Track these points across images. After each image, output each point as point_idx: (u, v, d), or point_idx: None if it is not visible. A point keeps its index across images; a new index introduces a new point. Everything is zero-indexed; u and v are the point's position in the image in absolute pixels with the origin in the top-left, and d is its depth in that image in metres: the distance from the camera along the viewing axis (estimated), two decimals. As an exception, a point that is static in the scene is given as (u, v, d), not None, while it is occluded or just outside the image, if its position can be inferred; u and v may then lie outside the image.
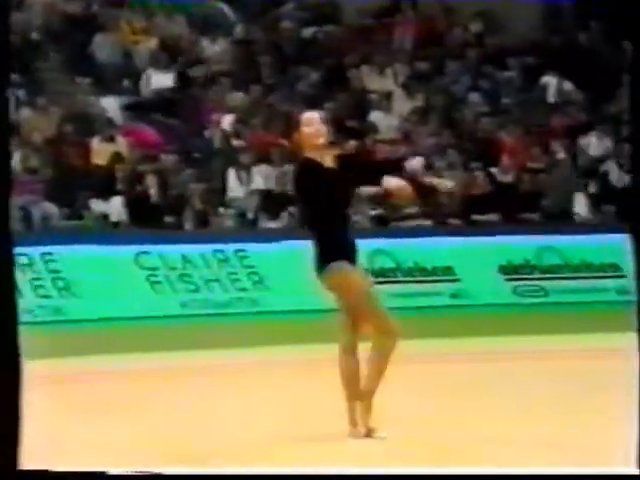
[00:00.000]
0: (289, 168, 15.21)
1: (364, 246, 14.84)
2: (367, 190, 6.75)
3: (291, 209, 14.60)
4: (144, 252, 13.27)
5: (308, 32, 17.50)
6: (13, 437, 3.56)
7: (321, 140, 6.29)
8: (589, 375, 8.76)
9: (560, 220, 15.01)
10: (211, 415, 7.30)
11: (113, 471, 3.70)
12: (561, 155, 15.90)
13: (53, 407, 6.76)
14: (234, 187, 14.96)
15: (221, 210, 14.68)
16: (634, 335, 11.15)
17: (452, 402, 7.58)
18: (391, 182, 6.56)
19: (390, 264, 14.00)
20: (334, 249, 6.25)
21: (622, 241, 14.39)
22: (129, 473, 3.79)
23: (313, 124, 6.33)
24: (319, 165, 6.27)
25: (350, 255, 6.29)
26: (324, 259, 6.26)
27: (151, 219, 14.12)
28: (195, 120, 15.72)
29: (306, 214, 6.45)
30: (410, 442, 6.25)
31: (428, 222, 15.01)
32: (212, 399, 7.92)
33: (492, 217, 15.19)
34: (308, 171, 6.27)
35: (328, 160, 6.36)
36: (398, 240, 14.16)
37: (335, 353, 10.07)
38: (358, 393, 6.31)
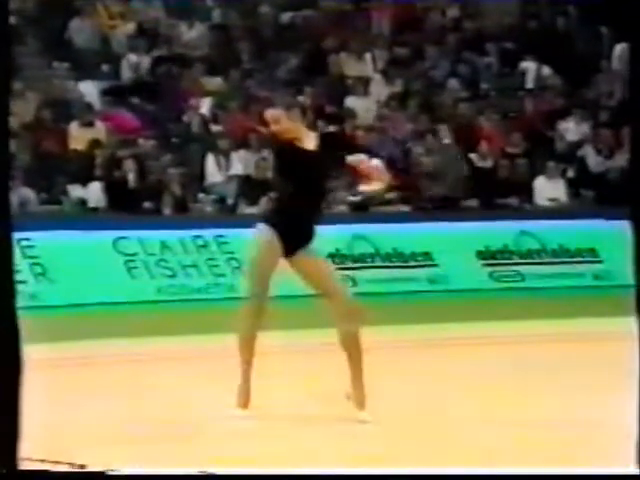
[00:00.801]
0: (268, 153, 15.23)
1: (343, 231, 14.99)
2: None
3: (271, 195, 14.60)
4: (122, 237, 13.26)
5: (286, 17, 17.48)
6: (13, 437, 3.54)
7: (290, 135, 6.36)
8: (567, 359, 8.83)
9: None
10: (187, 400, 7.32)
11: (113, 471, 3.70)
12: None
13: (28, 393, 6.77)
14: (213, 172, 14.96)
15: (200, 196, 14.67)
16: (611, 320, 11.25)
17: (432, 387, 7.63)
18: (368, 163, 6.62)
19: (369, 249, 14.04)
20: (273, 215, 6.47)
21: (599, 226, 14.48)
22: (130, 473, 3.80)
23: (279, 122, 6.39)
24: (294, 148, 6.34)
25: (288, 230, 6.35)
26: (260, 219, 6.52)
27: (130, 204, 14.10)
28: (173, 105, 15.69)
29: (280, 191, 6.53)
30: (393, 427, 6.30)
31: (407, 208, 15.05)
32: (188, 384, 7.94)
33: (471, 202, 15.24)
34: (282, 155, 6.38)
35: (309, 142, 6.41)
36: (377, 226, 14.19)
37: (314, 341, 10.13)
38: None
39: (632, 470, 3.65)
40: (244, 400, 6.60)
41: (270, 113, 6.49)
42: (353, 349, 6.39)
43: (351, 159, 6.50)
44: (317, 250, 6.56)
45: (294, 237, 6.43)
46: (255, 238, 6.49)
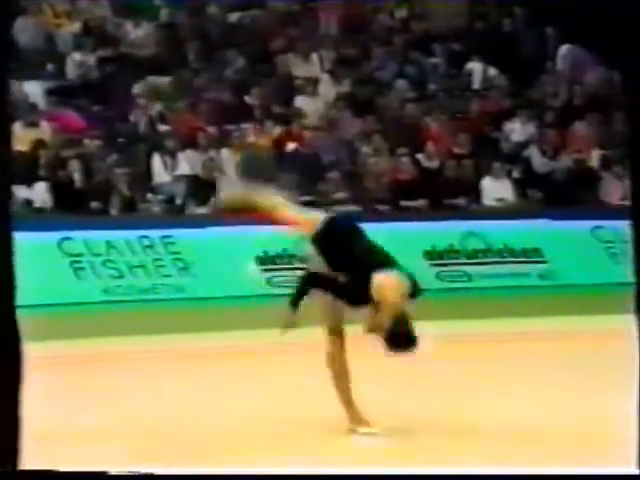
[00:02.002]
0: (215, 154, 15.23)
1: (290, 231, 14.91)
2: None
3: (221, 195, 14.61)
4: (67, 238, 13.20)
5: (234, 17, 17.48)
6: (13, 437, 3.53)
7: None
8: (516, 358, 8.93)
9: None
10: (133, 401, 7.32)
11: (114, 471, 3.70)
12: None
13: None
14: (159, 172, 14.93)
15: (149, 196, 14.63)
16: (556, 318, 11.32)
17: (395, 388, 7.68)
18: None
19: (316, 250, 14.05)
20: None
21: (545, 226, 14.64)
22: (130, 473, 3.80)
23: None
24: None
25: None
26: None
27: (76, 205, 14.03)
28: (120, 105, 15.64)
29: None
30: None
31: (355, 208, 15.11)
32: (134, 385, 7.93)
33: (420, 203, 15.34)
34: None
35: None
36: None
37: (256, 340, 10.17)
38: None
39: (632, 470, 3.66)
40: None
41: None
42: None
43: None
44: None
45: None
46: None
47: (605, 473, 4.40)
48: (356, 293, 6.04)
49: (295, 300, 6.12)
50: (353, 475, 4.57)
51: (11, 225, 3.55)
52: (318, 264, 6.27)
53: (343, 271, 6.12)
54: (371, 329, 6.01)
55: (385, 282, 5.97)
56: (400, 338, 5.93)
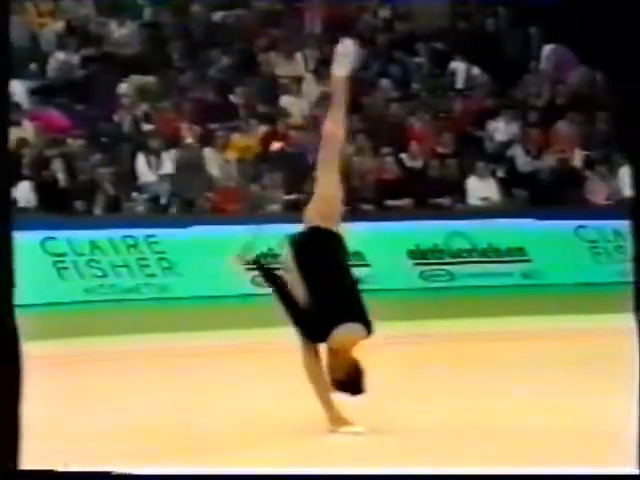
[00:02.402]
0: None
1: (277, 232, 14.97)
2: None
3: (205, 194, 14.58)
4: (50, 238, 13.15)
5: (218, 16, 17.45)
6: (13, 437, 3.51)
7: None
8: (500, 357, 8.93)
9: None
10: (118, 401, 7.30)
11: (115, 471, 3.68)
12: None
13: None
14: (144, 172, 14.89)
15: (133, 195, 14.60)
16: (541, 318, 11.31)
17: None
18: None
19: (300, 249, 14.04)
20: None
21: (529, 225, 14.66)
22: (130, 473, 3.78)
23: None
24: None
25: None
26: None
27: (60, 204, 13.98)
28: (103, 104, 15.59)
29: None
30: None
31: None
32: (117, 385, 7.91)
33: (405, 202, 15.33)
34: None
35: None
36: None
37: (240, 338, 10.14)
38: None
39: (632, 470, 3.62)
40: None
41: None
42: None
43: None
44: None
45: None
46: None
47: (605, 473, 4.36)
48: (314, 329, 6.09)
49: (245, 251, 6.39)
50: (352, 475, 4.54)
51: (11, 226, 3.53)
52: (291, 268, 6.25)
53: (311, 287, 6.09)
54: (329, 371, 6.14)
55: (344, 340, 6.04)
56: (350, 387, 6.10)
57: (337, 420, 6.18)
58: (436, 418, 6.49)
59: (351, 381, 6.08)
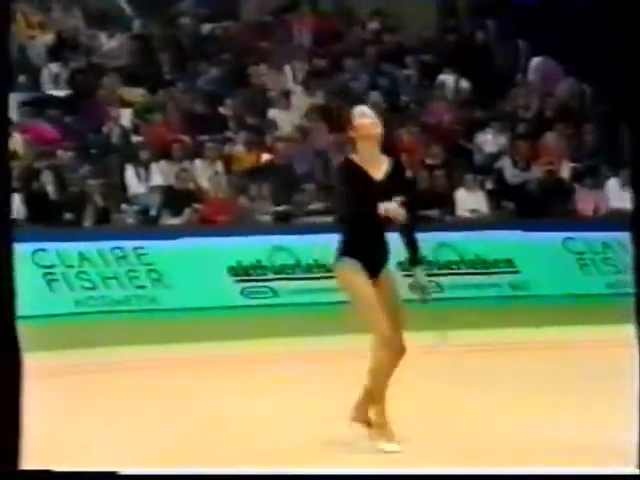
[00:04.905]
0: (189, 164, 15.22)
1: (265, 242, 14.99)
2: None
3: (195, 205, 14.60)
4: (40, 249, 13.14)
5: (207, 28, 17.49)
6: (13, 437, 3.51)
7: (378, 130, 6.35)
8: (490, 368, 8.95)
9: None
10: (108, 413, 7.30)
11: (117, 472, 3.68)
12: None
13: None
14: (133, 184, 14.90)
15: (123, 207, 14.60)
16: (529, 329, 11.28)
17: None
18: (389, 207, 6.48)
19: (290, 260, 14.08)
20: (349, 247, 6.30)
21: (517, 237, 14.69)
22: (130, 473, 3.78)
23: (367, 115, 6.41)
24: (361, 170, 6.28)
25: (367, 258, 6.27)
26: (338, 254, 6.37)
27: (49, 216, 13.97)
28: (93, 116, 15.59)
29: (340, 209, 6.50)
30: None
31: (328, 218, 15.13)
32: (107, 397, 7.91)
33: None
34: (350, 172, 6.28)
35: (379, 167, 6.35)
36: (298, 237, 14.23)
37: (231, 351, 10.16)
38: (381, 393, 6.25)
39: (632, 470, 3.65)
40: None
41: (360, 108, 6.47)
42: (381, 379, 6.28)
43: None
44: (392, 276, 6.47)
45: (374, 263, 6.35)
46: (348, 274, 6.29)
47: (605, 473, 4.37)
48: None
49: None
50: (354, 475, 4.58)
51: (12, 237, 3.55)
52: None
53: None
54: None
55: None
56: None
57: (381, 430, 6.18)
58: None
59: None
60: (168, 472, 4.47)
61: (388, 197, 6.24)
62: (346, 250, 6.32)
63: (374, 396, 6.24)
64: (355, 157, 6.35)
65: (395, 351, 6.20)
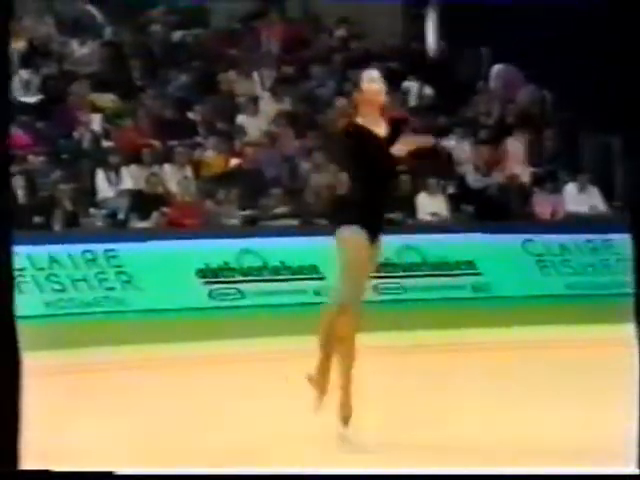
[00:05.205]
0: (159, 168, 15.23)
1: (232, 245, 15.03)
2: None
3: (163, 209, 14.61)
4: (12, 253, 13.09)
5: (177, 35, 17.49)
6: (13, 437, 3.51)
7: (382, 97, 6.36)
8: (452, 369, 9.01)
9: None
10: (77, 413, 7.30)
11: (116, 471, 3.68)
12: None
13: None
14: (103, 188, 14.89)
15: (92, 210, 14.59)
16: (491, 330, 11.32)
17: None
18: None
19: (257, 263, 14.13)
20: (358, 211, 6.23)
21: (478, 240, 14.79)
22: (130, 473, 3.79)
23: (375, 81, 6.41)
24: (368, 132, 6.25)
25: (372, 222, 6.23)
26: (344, 219, 6.33)
27: (19, 220, 13.94)
28: (64, 122, 15.57)
29: (349, 174, 6.45)
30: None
31: (295, 222, 15.18)
32: (77, 397, 7.91)
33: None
34: (357, 137, 6.23)
35: (381, 127, 6.32)
36: (265, 239, 14.28)
37: (204, 352, 10.18)
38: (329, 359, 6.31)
39: (632, 470, 3.64)
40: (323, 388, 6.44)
41: (369, 72, 6.52)
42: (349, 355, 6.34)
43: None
44: (381, 244, 6.41)
45: (377, 227, 6.32)
46: (352, 242, 6.27)
47: (605, 473, 4.34)
48: None
49: None
50: (353, 475, 4.54)
51: (11, 237, 3.58)
52: None
53: None
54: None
55: None
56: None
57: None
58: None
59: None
60: (167, 472, 4.47)
61: (391, 157, 6.29)
62: (354, 215, 6.26)
63: (328, 362, 6.29)
64: (359, 119, 6.32)
65: (351, 317, 6.25)
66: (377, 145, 6.25)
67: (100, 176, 14.86)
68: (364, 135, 6.25)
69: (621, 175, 16.82)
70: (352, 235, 6.27)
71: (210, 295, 13.88)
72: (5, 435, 3.53)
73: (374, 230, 6.29)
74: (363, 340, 10.80)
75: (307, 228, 14.90)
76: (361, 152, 6.22)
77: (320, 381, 6.35)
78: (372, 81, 6.42)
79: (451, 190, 15.96)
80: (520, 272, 14.62)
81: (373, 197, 6.24)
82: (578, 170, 16.47)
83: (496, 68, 17.86)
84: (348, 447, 6.17)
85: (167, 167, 15.27)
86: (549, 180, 16.13)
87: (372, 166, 6.22)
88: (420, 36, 18.54)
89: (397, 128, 6.43)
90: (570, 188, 16.10)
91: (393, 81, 17.54)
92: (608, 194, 16.27)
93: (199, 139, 15.94)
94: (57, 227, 14.18)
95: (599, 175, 16.50)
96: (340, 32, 18.22)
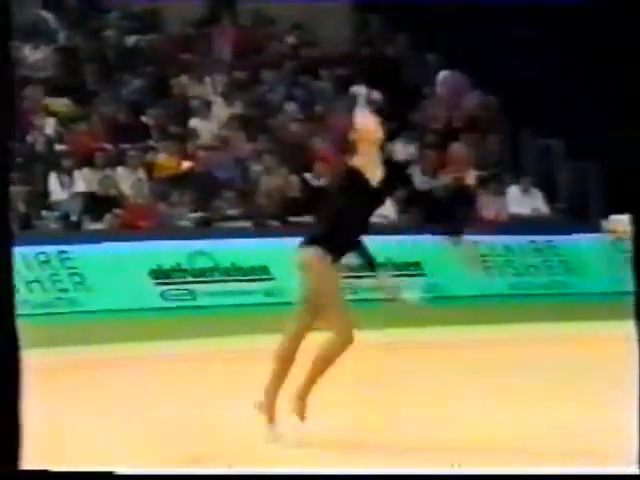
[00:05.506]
0: (111, 171, 15.17)
1: (185, 247, 14.98)
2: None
3: (116, 211, 14.55)
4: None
5: (131, 40, 17.43)
6: (13, 437, 3.47)
7: (379, 134, 6.22)
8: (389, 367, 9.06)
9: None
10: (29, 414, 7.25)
11: (116, 471, 3.64)
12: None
13: None
14: (56, 190, 14.81)
15: (45, 213, 14.50)
16: (441, 329, 11.36)
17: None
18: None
19: (209, 264, 14.11)
20: (324, 242, 6.14)
21: (426, 241, 14.85)
22: (130, 473, 3.76)
23: (369, 118, 6.32)
24: (363, 179, 6.12)
25: (335, 250, 6.14)
26: (305, 240, 6.24)
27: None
28: (18, 126, 15.44)
29: (327, 208, 6.28)
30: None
31: (247, 224, 15.19)
32: (29, 398, 7.85)
33: (307, 219, 15.46)
34: (351, 182, 6.12)
35: (378, 168, 6.21)
36: (218, 241, 14.27)
37: (156, 352, 10.15)
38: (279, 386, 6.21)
39: (632, 470, 3.60)
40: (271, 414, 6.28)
41: (361, 113, 6.42)
42: (323, 365, 6.21)
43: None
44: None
45: (343, 253, 6.24)
46: (314, 265, 6.14)
47: (605, 473, 4.29)
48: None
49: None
50: (352, 475, 4.51)
51: (12, 239, 3.54)
52: None
53: None
54: None
55: None
56: None
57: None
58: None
59: None
60: (165, 472, 4.44)
61: (381, 202, 6.33)
62: (318, 241, 6.17)
63: (314, 382, 6.19)
64: (356, 160, 6.16)
65: (348, 342, 6.12)
66: (368, 194, 6.16)
67: (53, 179, 14.78)
68: (357, 182, 6.11)
69: (563, 177, 17.01)
70: (315, 256, 6.17)
71: (162, 296, 13.85)
72: (5, 435, 3.49)
73: (340, 255, 6.22)
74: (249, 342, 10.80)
75: (259, 230, 14.92)
76: (351, 199, 6.12)
77: (269, 408, 6.23)
78: (365, 119, 6.31)
79: (399, 193, 16.04)
80: (466, 273, 14.72)
81: (341, 240, 6.19)
82: (521, 173, 16.63)
83: (442, 74, 17.98)
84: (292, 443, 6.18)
85: (120, 170, 15.21)
86: (493, 183, 16.26)
87: (357, 209, 6.14)
88: (369, 42, 18.61)
89: (395, 171, 6.41)
90: (513, 190, 16.25)
91: (342, 87, 17.66)
92: (550, 196, 16.45)
93: (152, 142, 15.90)
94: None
95: (541, 178, 16.67)
96: (291, 39, 18.25)
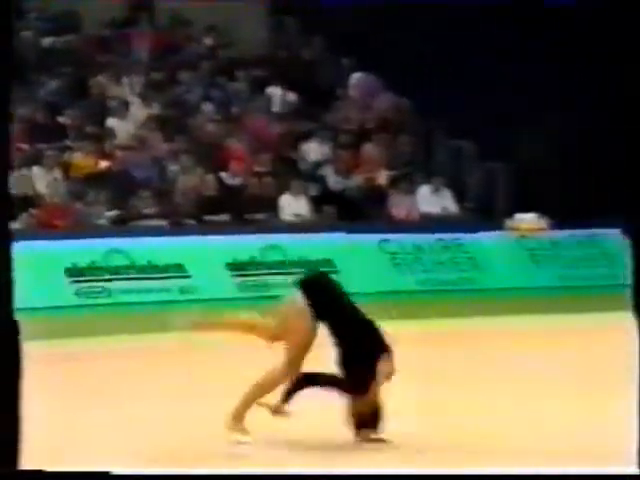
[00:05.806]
0: (27, 171, 14.99)
1: (100, 245, 14.84)
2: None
3: (32, 210, 14.40)
4: None
5: (48, 41, 17.24)
6: (13, 437, 3.42)
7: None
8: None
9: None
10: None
11: (114, 471, 3.59)
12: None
13: None
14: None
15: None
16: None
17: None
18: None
19: (124, 262, 14.03)
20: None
21: (338, 239, 14.95)
22: (130, 473, 3.72)
23: None
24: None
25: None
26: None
27: None
28: None
29: None
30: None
31: (163, 222, 15.13)
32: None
33: (222, 217, 15.47)
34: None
35: None
36: (133, 239, 14.20)
37: (70, 349, 10.06)
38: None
39: (632, 470, 3.58)
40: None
41: None
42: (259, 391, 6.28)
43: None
44: None
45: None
46: (298, 314, 6.27)
47: (605, 473, 4.27)
48: (356, 384, 6.12)
49: (287, 397, 6.17)
50: (353, 475, 4.49)
51: (11, 234, 3.48)
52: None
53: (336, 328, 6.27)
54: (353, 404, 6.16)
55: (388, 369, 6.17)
56: (370, 423, 6.18)
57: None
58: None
59: (372, 417, 6.13)
60: (163, 472, 4.39)
61: None
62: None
63: (251, 404, 6.23)
64: None
65: (288, 379, 6.28)
66: None
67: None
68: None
69: (472, 178, 17.22)
70: (299, 307, 6.31)
71: (77, 293, 13.74)
72: (5, 435, 3.45)
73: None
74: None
75: (174, 228, 14.88)
76: None
77: (239, 426, 6.22)
78: None
79: (313, 192, 16.13)
80: (376, 269, 14.84)
81: None
82: (432, 173, 16.81)
83: (355, 76, 18.09)
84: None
85: (36, 169, 15.05)
86: (405, 182, 16.41)
87: None
88: (285, 44, 18.66)
89: None
90: (424, 190, 16.41)
91: (258, 88, 17.68)
92: (459, 196, 16.65)
93: (69, 142, 15.75)
94: None
95: (452, 178, 16.87)
96: (208, 40, 18.22)
